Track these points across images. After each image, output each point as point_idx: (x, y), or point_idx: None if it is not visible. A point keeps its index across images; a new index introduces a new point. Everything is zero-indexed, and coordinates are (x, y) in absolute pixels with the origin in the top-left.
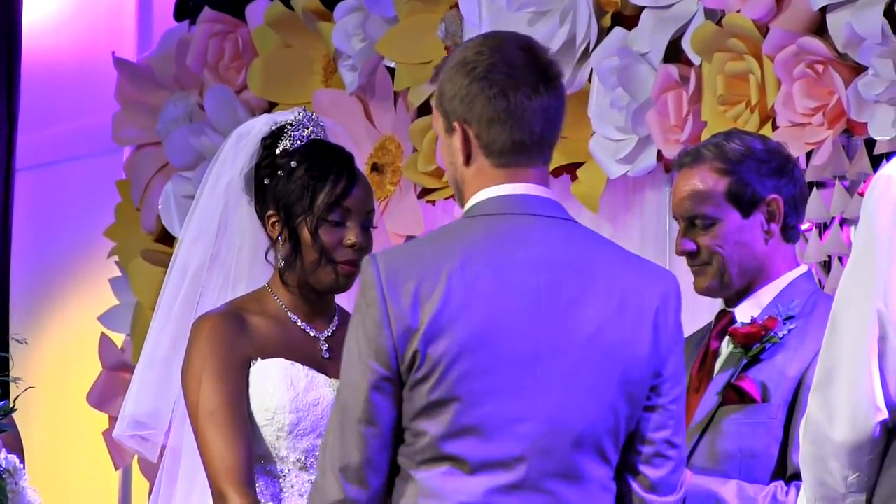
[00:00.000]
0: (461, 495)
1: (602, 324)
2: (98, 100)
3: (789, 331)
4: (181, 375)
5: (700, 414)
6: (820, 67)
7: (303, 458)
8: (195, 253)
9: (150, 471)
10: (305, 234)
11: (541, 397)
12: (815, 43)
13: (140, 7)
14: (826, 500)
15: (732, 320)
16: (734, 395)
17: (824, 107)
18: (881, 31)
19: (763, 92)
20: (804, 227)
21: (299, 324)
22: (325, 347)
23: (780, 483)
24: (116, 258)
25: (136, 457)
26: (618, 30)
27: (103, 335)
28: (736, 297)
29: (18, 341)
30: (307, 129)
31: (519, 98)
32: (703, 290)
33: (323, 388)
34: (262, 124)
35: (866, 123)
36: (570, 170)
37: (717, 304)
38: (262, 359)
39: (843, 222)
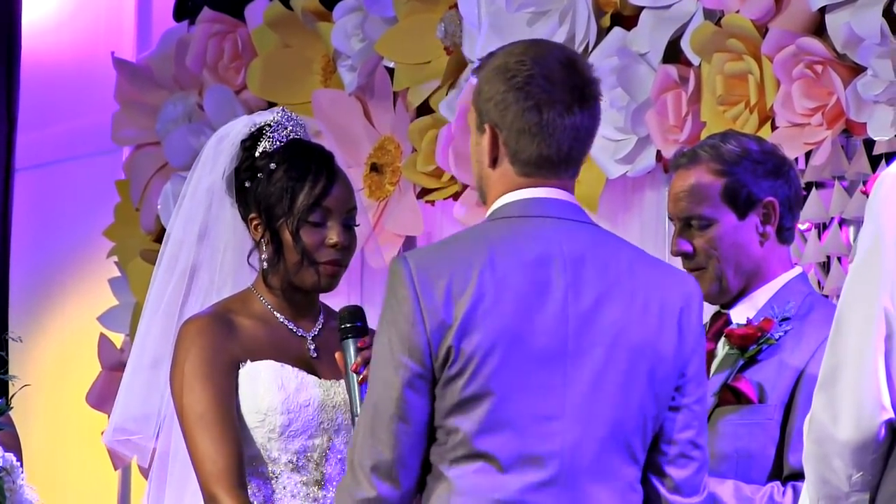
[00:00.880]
0: (495, 493)
1: (628, 323)
2: (97, 100)
3: (785, 332)
4: (169, 379)
5: None
6: (819, 68)
7: (295, 460)
8: (180, 257)
9: (148, 471)
10: (287, 235)
11: (571, 395)
12: (814, 43)
13: (139, 7)
14: (829, 499)
15: (728, 322)
16: (731, 396)
17: (823, 107)
18: (880, 32)
19: (762, 92)
20: (803, 227)
21: (286, 324)
22: (312, 347)
23: (777, 483)
24: (116, 258)
25: (135, 458)
26: (617, 30)
27: (102, 335)
28: (731, 298)
29: (14, 339)
30: (286, 128)
31: (551, 115)
32: (704, 298)
33: (313, 388)
34: (241, 126)
35: (865, 124)
36: None
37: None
38: (251, 360)
39: (843, 223)
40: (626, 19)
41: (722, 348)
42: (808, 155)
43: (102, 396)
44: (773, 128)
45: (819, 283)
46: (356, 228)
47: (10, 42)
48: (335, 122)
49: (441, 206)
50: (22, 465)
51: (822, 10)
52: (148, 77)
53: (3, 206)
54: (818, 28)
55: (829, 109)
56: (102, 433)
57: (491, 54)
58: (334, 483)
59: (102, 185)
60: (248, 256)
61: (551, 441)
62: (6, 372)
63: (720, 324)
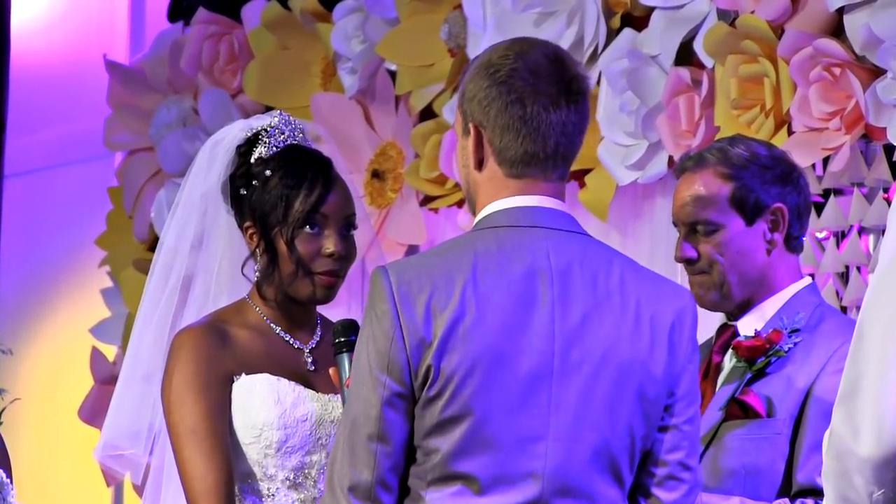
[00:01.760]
0: None
1: (617, 339)
2: (89, 104)
3: (795, 344)
4: (161, 392)
5: (702, 430)
6: (837, 70)
7: (292, 477)
8: (174, 266)
9: (142, 488)
10: (282, 245)
11: (556, 414)
12: (831, 45)
13: (132, 8)
14: None
15: (735, 334)
16: (738, 409)
17: (841, 111)
18: None
19: (778, 96)
20: (821, 235)
21: (282, 335)
22: (309, 360)
23: (785, 501)
24: (108, 268)
25: (128, 474)
26: (627, 31)
27: (94, 349)
28: (738, 310)
29: (3, 352)
30: (283, 133)
31: (536, 108)
32: (704, 305)
33: (310, 403)
34: (237, 131)
35: (885, 128)
36: (578, 176)
37: (720, 314)
38: (246, 373)
39: (862, 231)
40: (637, 20)
41: (729, 361)
42: (825, 161)
43: (94, 411)
44: (790, 132)
45: (837, 293)
46: (356, 234)
47: None
48: (335, 126)
49: (445, 213)
50: (11, 482)
51: (840, 11)
52: (141, 80)
53: None
54: (836, 29)
55: (848, 113)
56: (94, 449)
57: (476, 56)
58: None
59: (94, 192)
60: (242, 267)
61: (533, 462)
62: None
63: (727, 336)
